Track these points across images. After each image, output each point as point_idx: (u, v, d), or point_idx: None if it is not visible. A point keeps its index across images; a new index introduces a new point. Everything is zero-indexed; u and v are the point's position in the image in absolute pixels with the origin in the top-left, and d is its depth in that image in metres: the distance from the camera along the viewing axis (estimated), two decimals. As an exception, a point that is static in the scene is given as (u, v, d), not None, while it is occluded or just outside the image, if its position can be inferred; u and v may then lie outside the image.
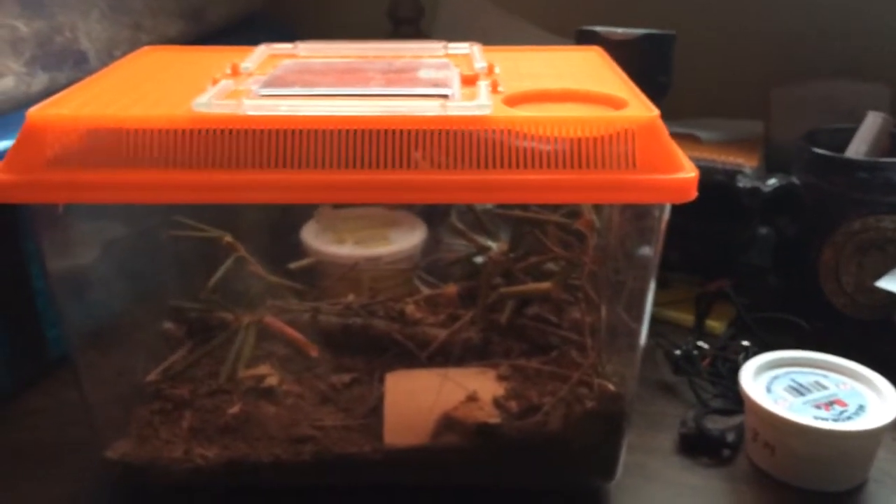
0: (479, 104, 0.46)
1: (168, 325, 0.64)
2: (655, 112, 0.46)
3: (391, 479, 0.55)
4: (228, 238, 0.64)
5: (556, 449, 0.54)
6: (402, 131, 0.45)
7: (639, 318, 0.51)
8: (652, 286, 0.50)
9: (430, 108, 0.46)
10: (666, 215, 0.47)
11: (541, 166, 0.45)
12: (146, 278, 0.64)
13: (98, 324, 0.57)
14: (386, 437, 0.54)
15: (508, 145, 0.45)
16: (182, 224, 0.63)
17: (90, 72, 0.57)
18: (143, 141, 0.45)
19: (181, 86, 0.52)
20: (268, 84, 0.52)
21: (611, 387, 0.54)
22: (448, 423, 0.54)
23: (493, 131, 0.45)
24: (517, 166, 0.45)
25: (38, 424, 0.63)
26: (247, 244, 0.65)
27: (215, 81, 0.52)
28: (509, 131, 0.45)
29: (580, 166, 0.45)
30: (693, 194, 0.45)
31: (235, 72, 0.55)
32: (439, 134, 0.45)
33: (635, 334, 0.52)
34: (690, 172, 0.45)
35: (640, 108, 0.47)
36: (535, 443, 0.54)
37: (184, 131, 0.45)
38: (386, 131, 0.45)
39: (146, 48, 0.63)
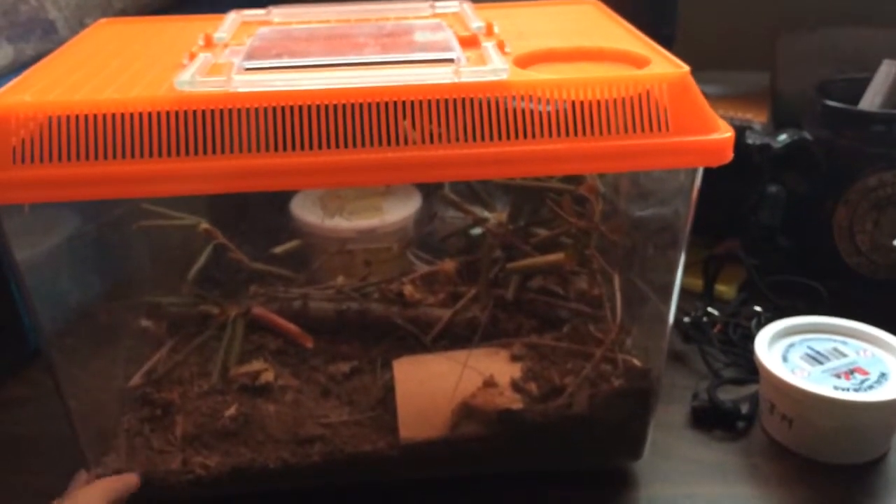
0: (494, 68, 0.42)
1: (146, 322, 0.59)
2: (685, 68, 0.42)
3: (410, 475, 0.51)
4: (205, 224, 0.59)
5: (583, 430, 0.51)
6: (413, 102, 0.40)
7: (668, 289, 0.48)
8: (682, 255, 0.47)
9: (441, 75, 0.42)
10: (698, 180, 0.44)
11: (566, 133, 0.41)
12: (118, 273, 0.59)
13: (71, 326, 0.51)
14: (401, 432, 0.51)
15: (527, 112, 0.41)
16: (152, 213, 0.57)
17: (60, 42, 0.51)
18: (123, 128, 0.39)
19: (153, 62, 0.47)
20: (250, 56, 0.47)
21: (636, 362, 0.52)
22: (467, 411, 0.51)
23: (513, 97, 0.41)
24: (538, 135, 0.41)
25: (20, 417, 0.59)
26: (225, 229, 0.60)
27: (192, 56, 0.46)
28: (530, 97, 0.41)
29: (607, 132, 0.41)
30: (729, 156, 0.42)
31: (209, 43, 0.50)
32: (454, 103, 0.41)
33: (664, 305, 0.49)
34: (726, 132, 0.42)
35: (666, 65, 0.44)
36: (560, 425, 0.51)
37: (168, 113, 0.40)
38: (395, 103, 0.40)
39: (102, 21, 0.57)
